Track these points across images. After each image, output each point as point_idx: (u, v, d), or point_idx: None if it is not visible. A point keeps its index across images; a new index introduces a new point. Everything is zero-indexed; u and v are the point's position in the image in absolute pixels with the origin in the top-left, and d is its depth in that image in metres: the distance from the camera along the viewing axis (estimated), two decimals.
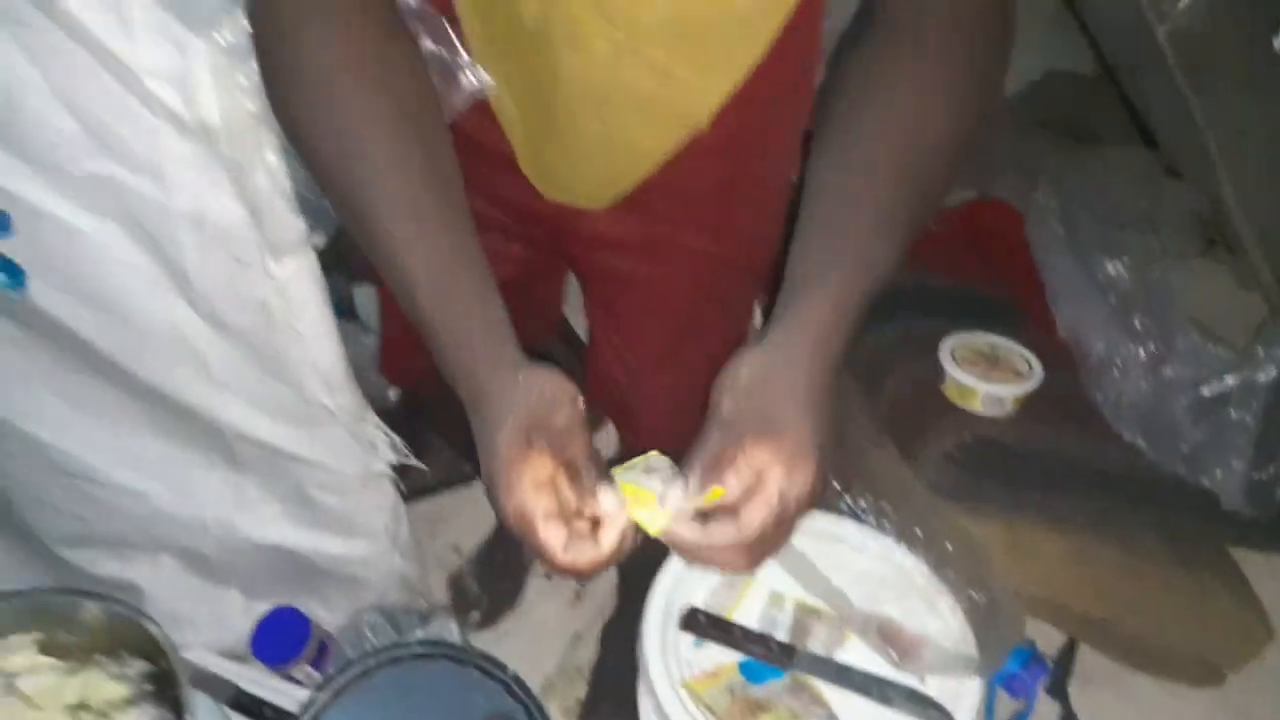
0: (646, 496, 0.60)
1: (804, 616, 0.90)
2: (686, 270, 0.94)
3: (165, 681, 0.69)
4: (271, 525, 1.05)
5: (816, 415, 0.58)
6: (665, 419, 1.05)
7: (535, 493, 0.56)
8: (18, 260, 0.78)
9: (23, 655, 0.69)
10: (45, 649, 0.71)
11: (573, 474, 0.58)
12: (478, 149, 0.88)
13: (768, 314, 0.65)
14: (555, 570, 0.58)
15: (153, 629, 0.69)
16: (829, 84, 0.70)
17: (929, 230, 0.78)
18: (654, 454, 0.62)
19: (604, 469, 0.60)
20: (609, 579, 1.38)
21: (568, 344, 1.53)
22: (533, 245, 0.99)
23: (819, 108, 0.70)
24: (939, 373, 1.30)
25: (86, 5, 0.63)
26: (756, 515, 0.56)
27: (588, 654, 1.29)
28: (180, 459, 0.99)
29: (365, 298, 1.40)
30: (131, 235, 0.77)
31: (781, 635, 0.88)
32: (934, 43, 0.65)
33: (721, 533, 0.57)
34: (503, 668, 1.04)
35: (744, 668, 0.86)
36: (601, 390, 1.08)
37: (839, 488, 0.95)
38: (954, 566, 0.92)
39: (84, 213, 0.76)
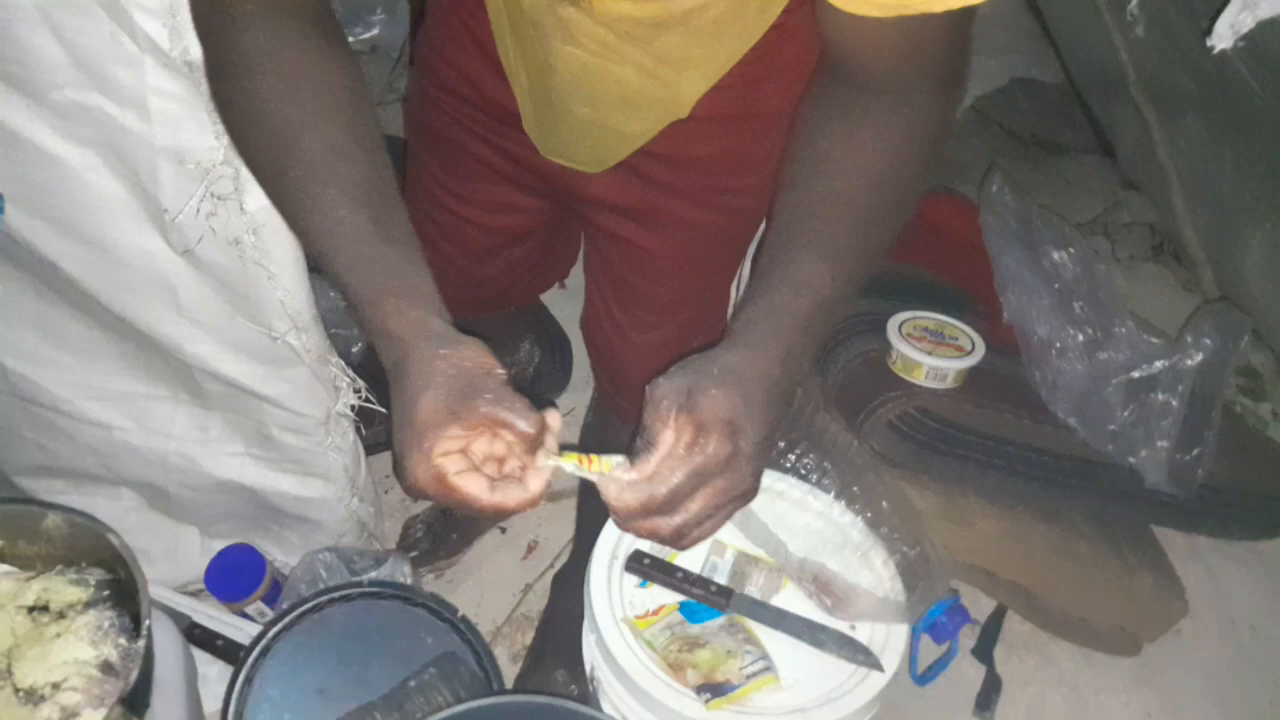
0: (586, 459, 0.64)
1: (743, 564, 0.95)
2: (674, 237, 0.98)
3: (124, 590, 0.72)
4: (233, 463, 1.07)
5: (744, 405, 0.62)
6: (645, 376, 1.08)
7: (446, 458, 0.59)
8: None
9: None
10: (4, 557, 0.73)
11: (498, 432, 0.62)
12: (488, 104, 0.93)
13: None
14: (483, 513, 0.61)
15: (113, 539, 0.72)
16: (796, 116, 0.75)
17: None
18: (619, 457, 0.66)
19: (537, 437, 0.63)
20: (562, 534, 1.42)
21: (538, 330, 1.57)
22: (542, 198, 1.03)
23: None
24: (886, 348, 1.35)
25: None
26: (664, 482, 0.60)
27: (538, 605, 1.33)
28: (147, 394, 1.01)
29: None
30: (111, 166, 0.79)
31: (721, 579, 0.93)
32: (884, 91, 0.68)
33: (633, 491, 0.61)
34: (452, 609, 1.07)
35: (684, 608, 0.91)
36: (591, 343, 1.13)
37: (784, 446, 0.99)
38: (889, 524, 0.97)
39: (65, 141, 0.78)
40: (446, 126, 0.99)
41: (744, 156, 0.91)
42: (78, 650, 0.65)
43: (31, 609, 0.69)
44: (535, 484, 0.62)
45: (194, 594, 1.16)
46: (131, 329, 0.93)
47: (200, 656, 1.07)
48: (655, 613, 0.90)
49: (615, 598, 0.89)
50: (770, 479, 1.00)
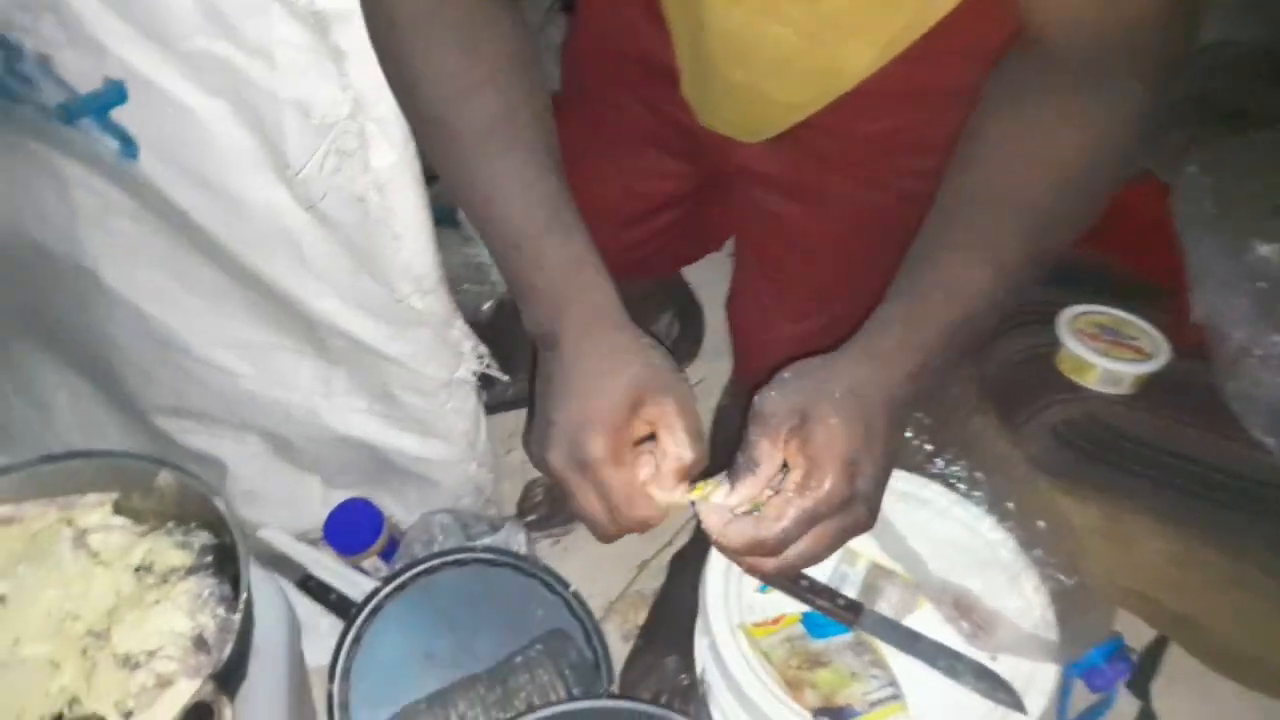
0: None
1: (876, 576, 0.87)
2: (835, 218, 0.90)
3: (227, 556, 0.70)
4: (355, 419, 1.06)
5: (865, 438, 0.55)
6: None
7: (636, 464, 0.57)
8: (131, 130, 0.79)
9: (98, 513, 0.72)
10: (119, 510, 0.73)
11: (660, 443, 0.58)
12: (646, 60, 0.86)
13: None
14: (599, 517, 0.59)
15: (219, 504, 0.70)
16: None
17: None
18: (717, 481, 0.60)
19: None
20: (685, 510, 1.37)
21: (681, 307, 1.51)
22: (694, 166, 0.97)
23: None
24: (1054, 344, 1.23)
25: None
26: (771, 525, 0.55)
27: (653, 583, 1.28)
28: (273, 344, 1.01)
29: None
30: (238, 116, 0.77)
31: (850, 592, 0.86)
32: (1084, 73, 0.59)
33: (739, 531, 0.56)
34: (564, 583, 1.04)
35: (807, 620, 0.84)
36: (736, 325, 1.07)
37: (931, 449, 0.91)
38: (1044, 546, 0.87)
39: (195, 89, 0.76)
40: (599, 81, 0.93)
41: (921, 136, 0.81)
42: (175, 620, 0.64)
43: (137, 569, 0.69)
44: (644, 510, 0.57)
45: (312, 543, 1.17)
46: (258, 280, 0.92)
47: (311, 608, 1.08)
48: (775, 621, 0.83)
49: (733, 601, 0.83)
50: (914, 484, 0.91)
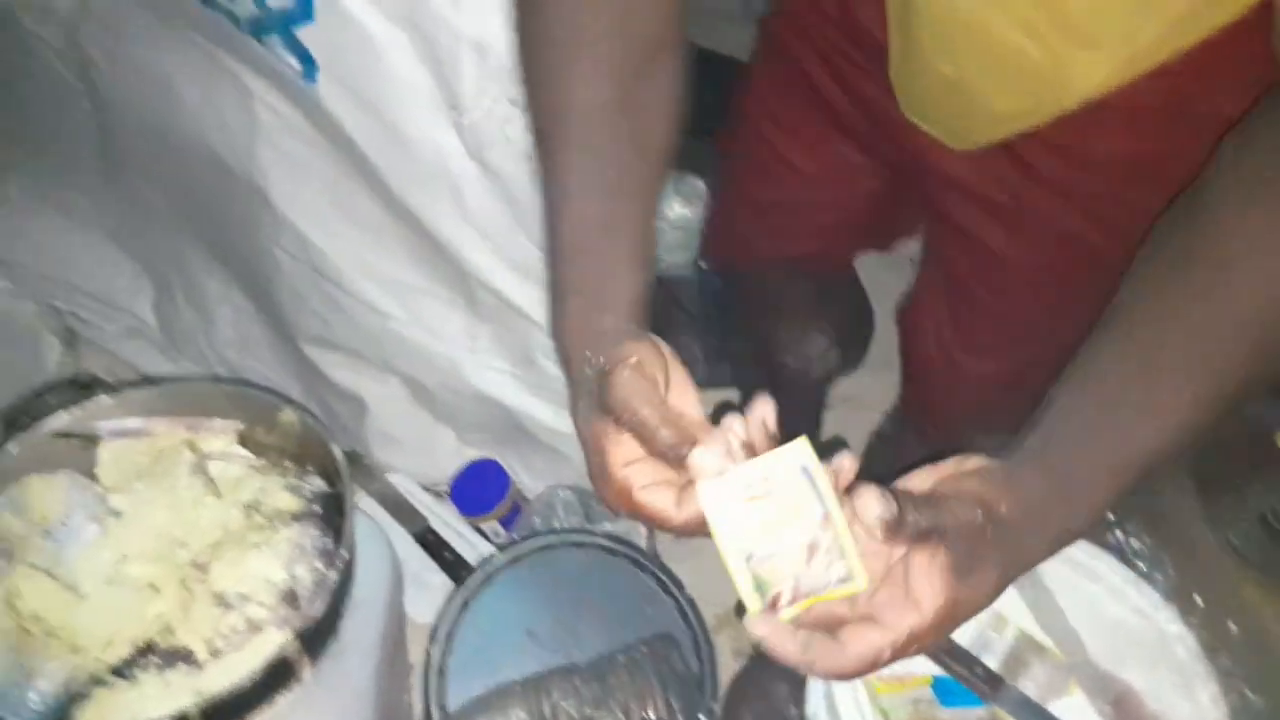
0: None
1: (1025, 649, 0.77)
2: (1041, 248, 0.79)
3: (336, 508, 0.68)
4: (494, 378, 1.04)
5: (999, 584, 0.47)
6: (967, 410, 0.92)
7: (631, 468, 0.49)
8: (313, 51, 0.78)
9: (221, 440, 0.70)
10: (243, 441, 0.72)
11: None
12: (854, 31, 0.78)
13: None
14: (673, 531, 0.50)
15: (336, 452, 0.68)
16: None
17: None
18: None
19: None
20: None
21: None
22: (884, 163, 0.88)
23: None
24: (1276, 418, 1.08)
25: None
26: (864, 652, 0.45)
27: None
28: (424, 290, 0.99)
29: None
30: (417, 49, 0.74)
31: (992, 662, 0.76)
32: None
33: (825, 655, 0.46)
34: (680, 585, 0.98)
35: (938, 685, 0.75)
36: (908, 348, 0.98)
37: (1113, 519, 0.79)
38: (1233, 653, 0.76)
39: (378, 15, 0.73)
40: (798, 48, 0.85)
41: (1162, 167, 0.68)
42: (270, 568, 0.62)
43: (246, 505, 0.67)
44: (683, 513, 0.48)
45: (437, 496, 1.15)
46: (418, 222, 0.89)
47: (424, 563, 1.06)
48: (901, 680, 0.75)
49: None
50: (1086, 554, 0.80)
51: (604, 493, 0.50)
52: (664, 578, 0.99)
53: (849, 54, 0.80)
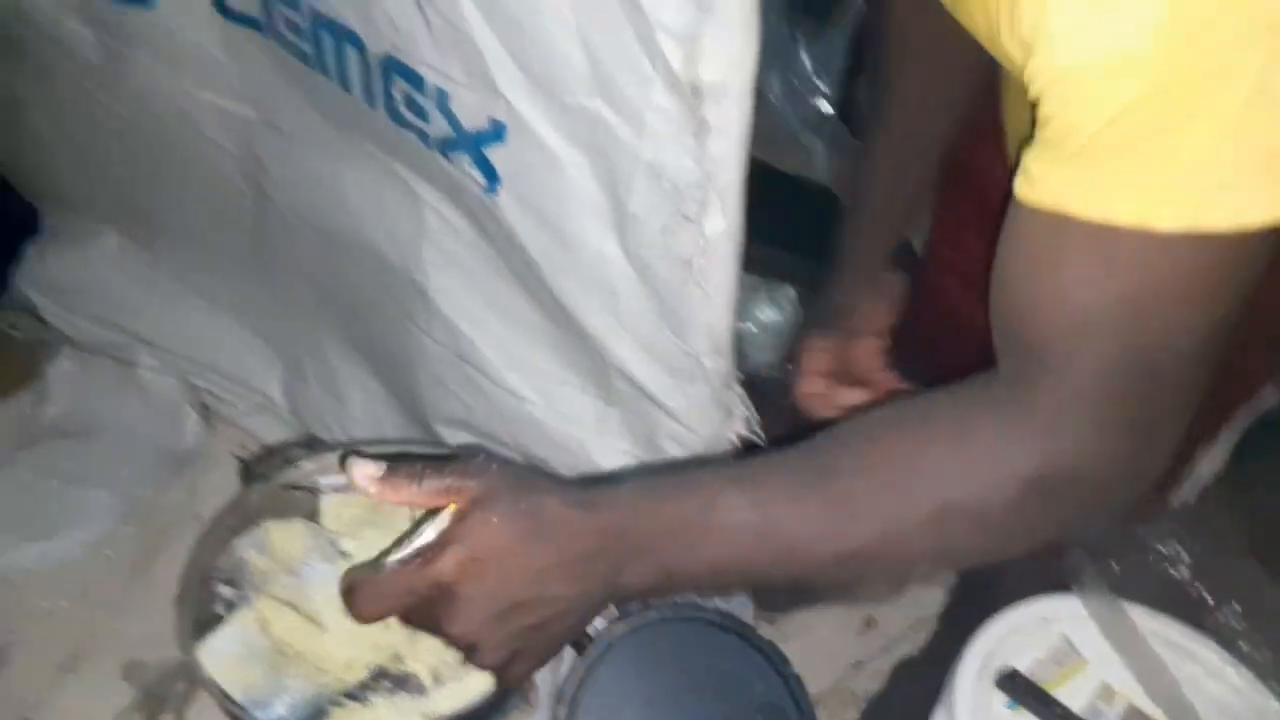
0: None
1: None
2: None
3: None
4: (618, 459, 1.12)
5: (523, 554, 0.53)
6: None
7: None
8: (498, 167, 0.89)
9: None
10: None
11: None
12: None
13: None
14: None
15: None
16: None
17: None
18: None
19: None
20: (902, 617, 1.35)
21: None
22: None
23: None
24: None
25: None
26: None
27: (866, 684, 1.27)
28: (561, 378, 1.08)
29: None
30: (595, 170, 0.84)
31: None
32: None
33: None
34: (786, 662, 1.04)
35: None
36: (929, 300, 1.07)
37: (1212, 602, 0.86)
38: None
39: (564, 140, 0.83)
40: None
41: None
42: None
43: None
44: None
45: None
46: (566, 317, 0.99)
47: None
48: None
49: (981, 714, 0.82)
50: (1184, 636, 0.86)
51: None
52: (771, 654, 1.06)
53: None
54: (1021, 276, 0.50)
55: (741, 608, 1.15)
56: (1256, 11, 0.39)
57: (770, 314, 1.48)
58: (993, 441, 0.52)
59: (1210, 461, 1.11)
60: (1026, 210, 0.48)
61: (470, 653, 0.55)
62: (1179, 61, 0.40)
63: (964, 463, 0.52)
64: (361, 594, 0.55)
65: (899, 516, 0.53)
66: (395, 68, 0.89)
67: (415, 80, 0.88)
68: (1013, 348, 0.52)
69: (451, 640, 0.54)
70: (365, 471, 0.53)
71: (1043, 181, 0.46)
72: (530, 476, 0.58)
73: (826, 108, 1.43)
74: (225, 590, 0.77)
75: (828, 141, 1.45)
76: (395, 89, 0.91)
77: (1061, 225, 0.46)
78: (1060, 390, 0.49)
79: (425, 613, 0.54)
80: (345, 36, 0.92)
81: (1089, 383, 0.48)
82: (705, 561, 0.55)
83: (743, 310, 1.41)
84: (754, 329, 1.47)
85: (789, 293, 1.49)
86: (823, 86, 1.40)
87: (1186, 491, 1.09)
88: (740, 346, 1.49)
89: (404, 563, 0.53)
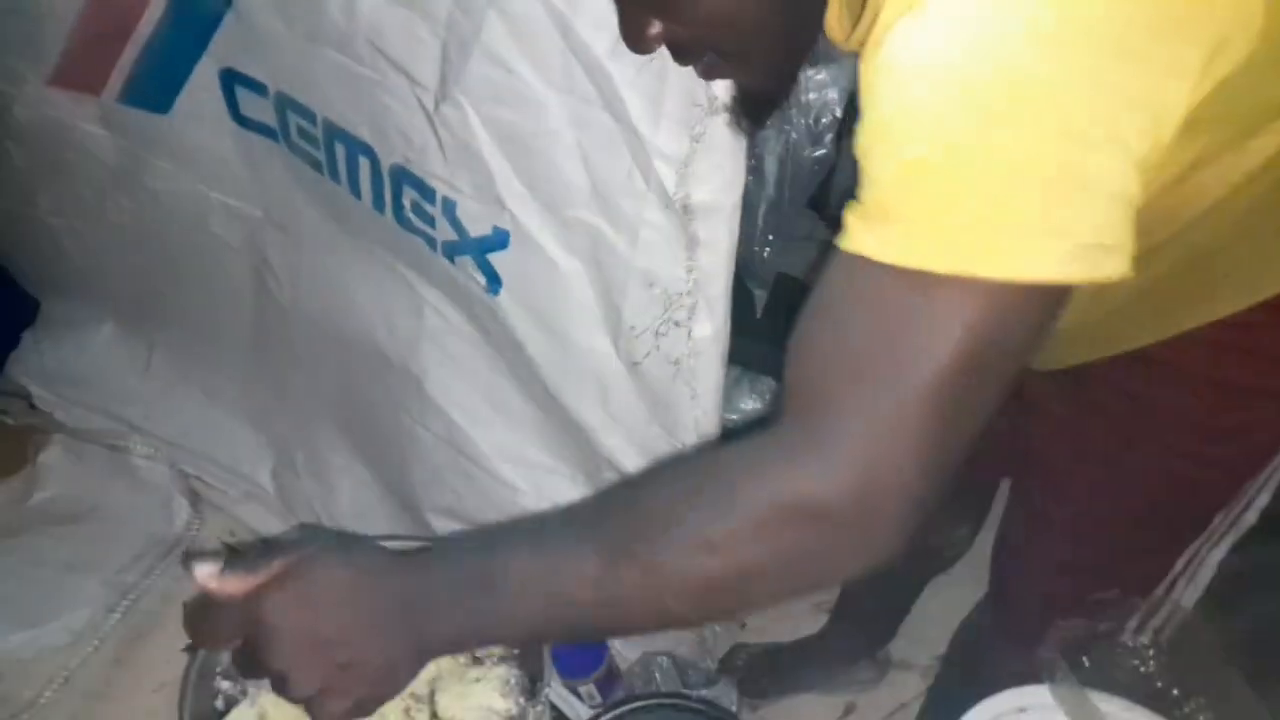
0: None
1: None
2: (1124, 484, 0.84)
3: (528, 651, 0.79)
4: None
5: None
6: (1041, 600, 0.93)
7: None
8: (500, 271, 0.94)
9: None
10: None
11: None
12: None
13: None
14: None
15: None
16: None
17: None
18: None
19: None
20: (883, 702, 1.37)
21: None
22: None
23: None
24: None
25: (634, 91, 0.76)
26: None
27: None
28: (551, 468, 1.12)
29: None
30: (591, 277, 0.90)
31: None
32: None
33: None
34: None
35: None
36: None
37: (1178, 693, 0.90)
38: None
39: (562, 249, 0.90)
40: None
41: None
42: (492, 699, 0.73)
43: None
44: None
45: None
46: (560, 410, 1.04)
47: None
48: None
49: None
50: None
51: None
52: None
53: None
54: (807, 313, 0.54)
55: (726, 694, 1.17)
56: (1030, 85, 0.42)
57: (752, 404, 1.54)
58: (754, 471, 0.52)
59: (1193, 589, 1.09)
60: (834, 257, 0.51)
61: (282, 685, 0.57)
62: (957, 125, 0.44)
63: (723, 494, 0.52)
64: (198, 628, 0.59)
65: (659, 559, 0.53)
66: (406, 178, 0.95)
67: (425, 190, 0.95)
68: (793, 386, 0.54)
69: (268, 673, 0.57)
70: (203, 571, 0.58)
71: (846, 230, 0.49)
72: (351, 545, 0.61)
73: None
74: (225, 685, 0.79)
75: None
76: (405, 197, 0.97)
77: (851, 268, 0.49)
78: (826, 425, 0.50)
79: (249, 653, 0.57)
80: (358, 147, 0.98)
81: (854, 419, 0.49)
82: (504, 617, 0.56)
83: (725, 401, 1.46)
84: (736, 419, 1.52)
85: (769, 384, 1.55)
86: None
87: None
88: (722, 437, 1.54)
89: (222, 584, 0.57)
